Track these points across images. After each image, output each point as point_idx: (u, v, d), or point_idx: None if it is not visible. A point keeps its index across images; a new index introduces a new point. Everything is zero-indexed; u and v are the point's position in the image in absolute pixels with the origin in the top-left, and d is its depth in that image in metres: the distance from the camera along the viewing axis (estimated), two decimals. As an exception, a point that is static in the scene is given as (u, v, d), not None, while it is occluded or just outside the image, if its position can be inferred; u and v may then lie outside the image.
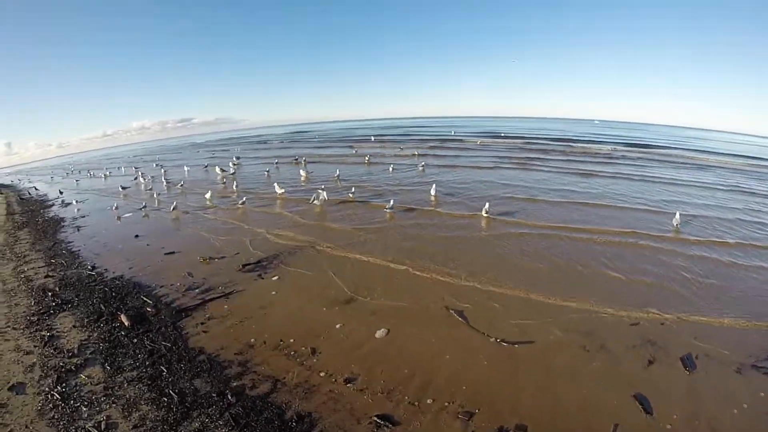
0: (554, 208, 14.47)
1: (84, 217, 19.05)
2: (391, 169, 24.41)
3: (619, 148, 37.17)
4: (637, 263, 9.60)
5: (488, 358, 5.96)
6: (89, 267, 11.49)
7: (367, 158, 30.07)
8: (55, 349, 6.88)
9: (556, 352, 6.06)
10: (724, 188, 19.48)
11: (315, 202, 15.89)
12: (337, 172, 22.77)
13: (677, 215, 12.16)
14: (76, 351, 6.80)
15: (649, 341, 6.27)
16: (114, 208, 19.77)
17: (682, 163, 28.89)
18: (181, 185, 23.92)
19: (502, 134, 52.70)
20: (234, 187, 21.87)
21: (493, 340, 6.33)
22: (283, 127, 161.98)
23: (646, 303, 7.50)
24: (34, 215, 21.28)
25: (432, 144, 41.99)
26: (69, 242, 14.60)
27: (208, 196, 19.61)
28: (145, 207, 19.06)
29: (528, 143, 40.45)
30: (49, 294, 9.63)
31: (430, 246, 10.93)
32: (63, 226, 17.62)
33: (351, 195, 17.04)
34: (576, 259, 9.81)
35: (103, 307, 8.63)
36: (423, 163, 25.48)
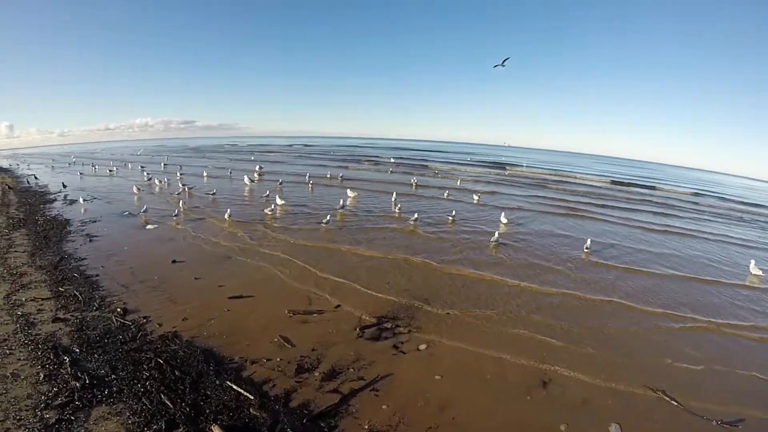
0: (671, 284, 11.06)
1: (95, 222, 15.26)
2: (446, 194, 22.76)
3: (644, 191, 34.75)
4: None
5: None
6: (119, 310, 7.86)
7: (413, 182, 27.40)
8: None
9: None
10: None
11: (411, 222, 15.30)
12: (394, 197, 19.51)
13: (752, 263, 12.37)
14: None
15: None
16: (142, 211, 16.40)
17: (728, 215, 26.29)
18: (213, 194, 20.23)
19: (525, 165, 51.25)
20: (277, 200, 18.31)
21: (714, 423, 5.53)
22: (286, 139, 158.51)
23: None
24: (33, 211, 17.44)
25: (463, 175, 38.87)
26: (80, 259, 10.90)
27: (268, 211, 16.46)
28: (177, 215, 15.52)
29: (563, 182, 37.58)
30: (66, 360, 5.97)
31: (577, 345, 7.43)
32: (70, 231, 13.87)
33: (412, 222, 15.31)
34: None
35: (168, 403, 5.07)
36: (478, 196, 22.43)
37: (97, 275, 9.86)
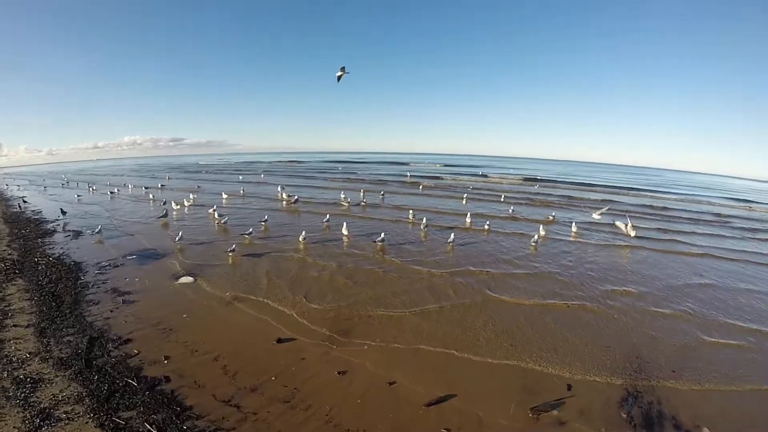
0: None
1: (117, 266, 11.25)
2: (535, 238, 14.76)
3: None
4: None
5: None
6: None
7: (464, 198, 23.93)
8: None
9: None
10: None
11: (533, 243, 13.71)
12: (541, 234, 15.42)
13: None
14: None
15: None
16: (178, 242, 13.00)
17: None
18: (264, 221, 16.16)
19: (564, 181, 47.87)
20: (344, 230, 14.46)
21: None
22: (277, 155, 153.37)
23: None
24: (30, 248, 13.35)
25: (484, 192, 34.47)
26: (122, 342, 7.07)
27: (379, 240, 13.18)
28: (233, 251, 11.66)
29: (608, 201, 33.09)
30: None
31: None
32: (87, 284, 9.83)
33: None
34: None
35: None
36: (540, 235, 15.34)
37: (167, 378, 5.89)
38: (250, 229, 14.19)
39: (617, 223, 17.14)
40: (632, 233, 16.22)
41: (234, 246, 12.07)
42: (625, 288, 10.51)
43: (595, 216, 19.33)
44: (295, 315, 8.14)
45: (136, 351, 6.68)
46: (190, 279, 10.22)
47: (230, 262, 11.52)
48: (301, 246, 13.20)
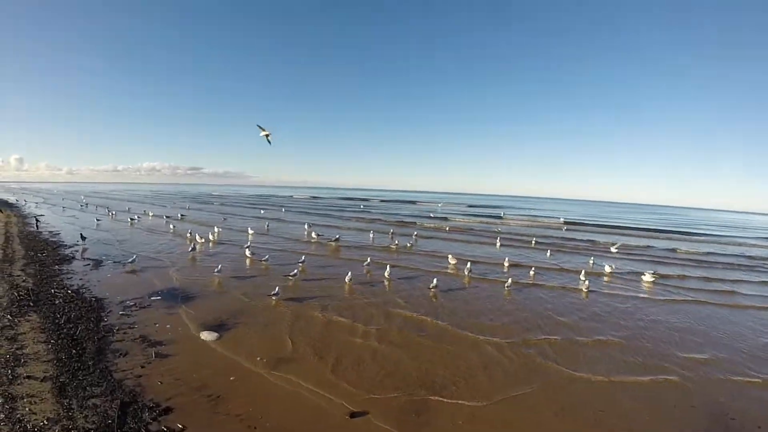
0: None
1: (144, 307, 10.22)
2: (587, 284, 14.22)
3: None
4: None
5: None
6: None
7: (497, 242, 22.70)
8: None
9: None
10: None
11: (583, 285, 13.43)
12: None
13: None
14: None
15: None
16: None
17: None
18: (302, 263, 15.03)
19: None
20: (387, 271, 13.18)
21: None
22: (292, 189, 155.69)
23: None
24: (46, 276, 12.26)
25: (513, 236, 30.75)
26: (160, 412, 5.88)
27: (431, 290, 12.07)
28: (277, 295, 10.74)
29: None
30: None
31: None
32: (111, 328, 8.68)
33: None
34: None
35: None
36: (586, 286, 13.98)
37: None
38: (295, 270, 13.08)
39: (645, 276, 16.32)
40: (650, 279, 15.88)
41: (278, 289, 10.76)
42: (701, 355, 9.08)
43: (613, 249, 23.56)
44: (345, 404, 6.55)
45: (180, 426, 5.32)
46: (214, 335, 8.36)
47: (273, 304, 10.27)
48: (347, 288, 12.12)
